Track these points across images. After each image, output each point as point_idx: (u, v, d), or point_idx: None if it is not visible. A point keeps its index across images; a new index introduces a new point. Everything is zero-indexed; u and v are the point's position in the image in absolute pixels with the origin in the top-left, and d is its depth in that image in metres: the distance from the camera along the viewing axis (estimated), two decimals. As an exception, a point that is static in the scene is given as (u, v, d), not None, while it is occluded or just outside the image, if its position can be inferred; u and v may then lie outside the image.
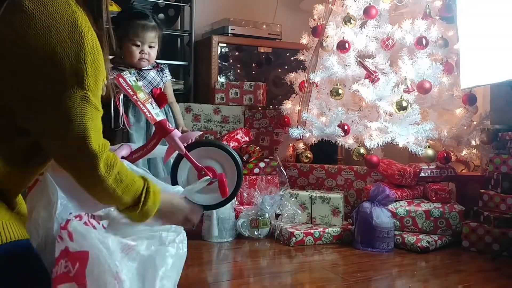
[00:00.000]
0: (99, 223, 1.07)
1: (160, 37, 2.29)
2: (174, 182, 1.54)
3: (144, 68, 2.34)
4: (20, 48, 0.93)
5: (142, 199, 1.08)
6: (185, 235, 1.21)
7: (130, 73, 1.66)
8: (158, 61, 2.47)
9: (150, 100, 1.59)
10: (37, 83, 0.93)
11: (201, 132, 1.88)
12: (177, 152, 1.47)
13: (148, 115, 1.55)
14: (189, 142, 1.57)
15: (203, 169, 1.52)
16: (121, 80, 1.59)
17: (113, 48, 1.09)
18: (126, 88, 1.58)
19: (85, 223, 1.03)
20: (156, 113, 1.57)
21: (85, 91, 0.95)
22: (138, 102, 1.57)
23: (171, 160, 1.49)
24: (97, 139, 0.99)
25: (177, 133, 1.52)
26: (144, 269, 1.04)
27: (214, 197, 1.51)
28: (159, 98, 2.27)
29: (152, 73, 2.37)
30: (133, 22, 2.26)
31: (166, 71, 2.46)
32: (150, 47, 2.23)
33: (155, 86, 2.35)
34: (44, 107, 0.94)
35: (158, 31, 2.28)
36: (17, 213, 1.08)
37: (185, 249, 1.18)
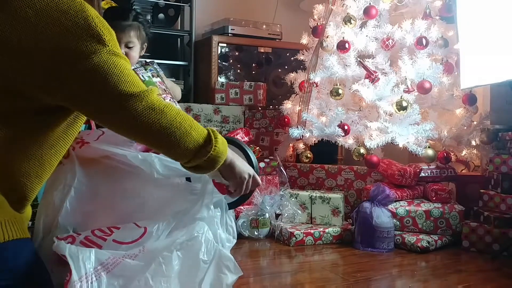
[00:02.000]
0: (105, 240, 1.06)
1: (142, 36, 2.21)
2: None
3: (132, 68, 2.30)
4: (27, 30, 0.94)
5: (213, 136, 1.05)
6: (203, 237, 1.11)
7: (146, 70, 1.65)
8: (158, 61, 2.44)
9: (163, 96, 1.58)
10: (56, 58, 0.94)
11: (215, 129, 1.86)
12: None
13: None
14: None
15: None
16: None
17: None
18: None
19: (81, 242, 1.03)
20: None
21: (107, 47, 0.96)
22: None
23: None
24: (139, 83, 0.99)
25: None
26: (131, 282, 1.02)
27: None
28: None
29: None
30: (110, 22, 2.18)
31: (155, 65, 2.42)
32: (128, 47, 2.15)
33: None
34: (75, 77, 0.94)
35: (137, 30, 2.20)
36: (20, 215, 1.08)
37: (201, 255, 1.09)
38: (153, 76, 1.71)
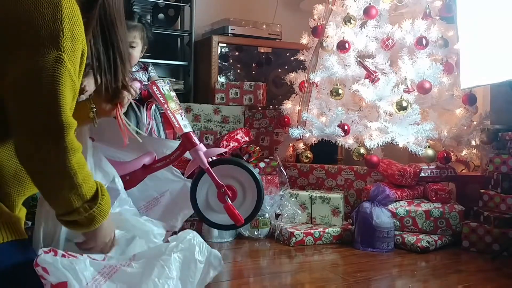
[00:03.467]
0: (82, 254, 1.06)
1: (144, 37, 2.24)
2: (193, 196, 1.55)
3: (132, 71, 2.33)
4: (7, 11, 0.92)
5: (100, 194, 0.99)
6: (195, 240, 1.17)
7: (164, 82, 1.66)
8: (158, 61, 2.46)
9: (180, 111, 1.59)
10: (11, 44, 0.91)
11: (226, 149, 1.86)
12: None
13: (176, 125, 1.55)
14: (213, 157, 1.56)
15: (223, 186, 1.52)
16: (154, 87, 1.59)
17: None
18: (159, 96, 1.58)
19: (62, 255, 1.02)
20: (184, 125, 1.56)
21: (60, 52, 0.90)
22: (168, 111, 1.57)
23: None
24: (67, 112, 0.92)
25: (202, 148, 1.52)
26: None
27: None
28: (146, 98, 2.27)
29: (140, 74, 2.37)
30: None
31: (150, 68, 2.44)
32: (131, 46, 2.18)
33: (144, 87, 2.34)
34: (16, 68, 0.89)
35: (141, 32, 2.23)
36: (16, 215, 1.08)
37: (196, 255, 1.15)
38: (170, 89, 1.71)
